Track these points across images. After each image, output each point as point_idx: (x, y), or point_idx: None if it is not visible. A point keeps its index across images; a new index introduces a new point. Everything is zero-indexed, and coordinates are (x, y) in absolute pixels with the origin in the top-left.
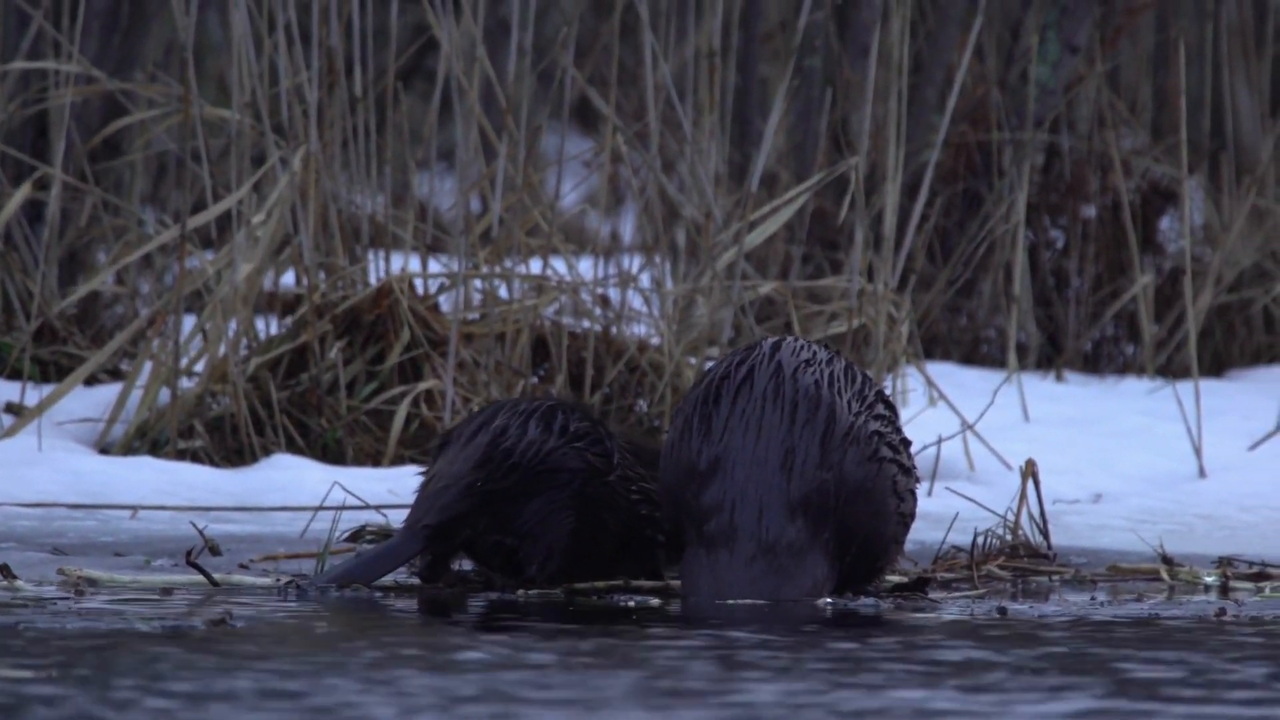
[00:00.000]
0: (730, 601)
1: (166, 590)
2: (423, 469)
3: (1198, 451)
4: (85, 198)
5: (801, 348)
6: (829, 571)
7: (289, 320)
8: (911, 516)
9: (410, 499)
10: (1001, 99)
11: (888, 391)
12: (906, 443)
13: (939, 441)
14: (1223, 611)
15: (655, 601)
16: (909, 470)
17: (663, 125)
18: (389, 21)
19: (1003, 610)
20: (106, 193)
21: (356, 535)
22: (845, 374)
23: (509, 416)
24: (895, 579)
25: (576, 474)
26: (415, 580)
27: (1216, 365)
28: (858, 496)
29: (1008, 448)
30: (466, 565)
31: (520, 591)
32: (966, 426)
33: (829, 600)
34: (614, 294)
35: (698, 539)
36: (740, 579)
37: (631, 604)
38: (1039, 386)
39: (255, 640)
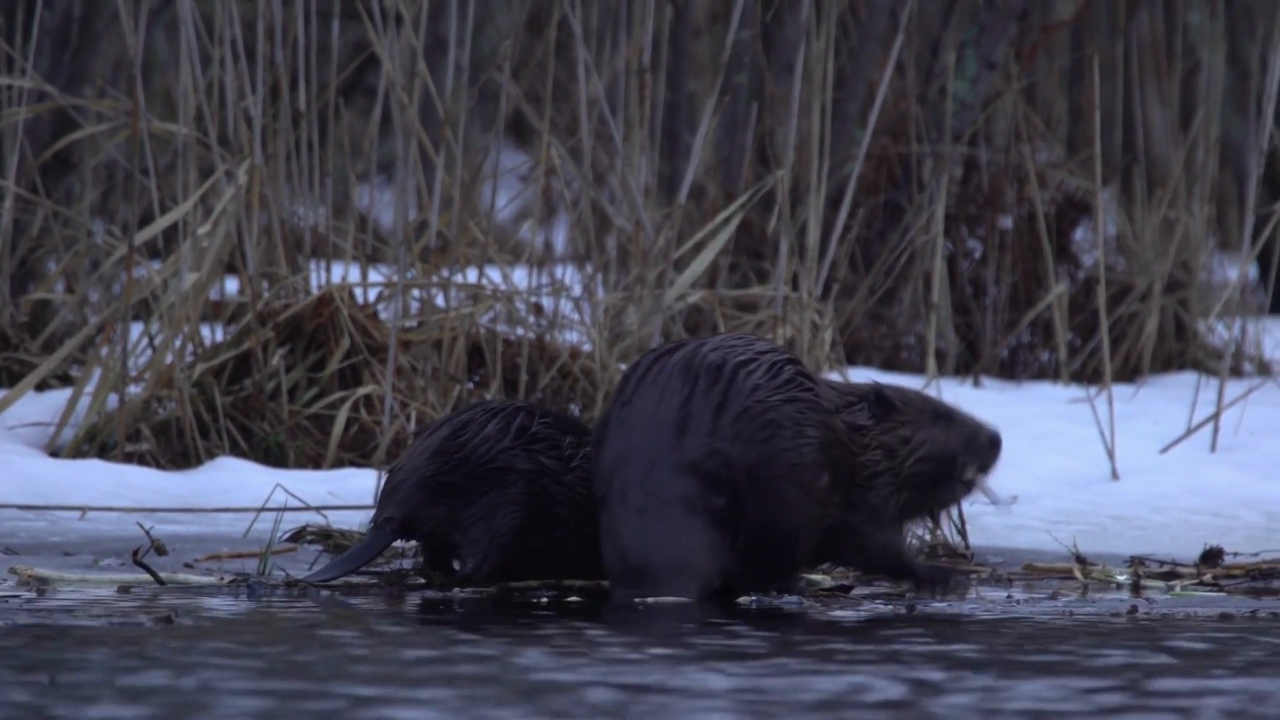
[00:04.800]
0: (628, 564)
1: (123, 588)
2: (361, 471)
3: (1111, 455)
4: (37, 209)
5: (739, 341)
6: (721, 541)
7: (233, 328)
8: (844, 530)
9: (349, 500)
10: (921, 113)
11: None
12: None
13: None
14: (1134, 609)
15: (574, 598)
16: (828, 485)
17: (595, 139)
18: (330, 38)
19: (910, 607)
20: (57, 205)
21: (298, 536)
22: (769, 368)
23: (475, 413)
24: (819, 577)
25: (524, 474)
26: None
27: (1129, 371)
28: (750, 475)
29: None
30: (407, 563)
31: (455, 590)
32: None
33: (754, 598)
34: (547, 302)
35: (602, 502)
36: (630, 531)
37: (544, 600)
38: (957, 392)
39: (203, 635)
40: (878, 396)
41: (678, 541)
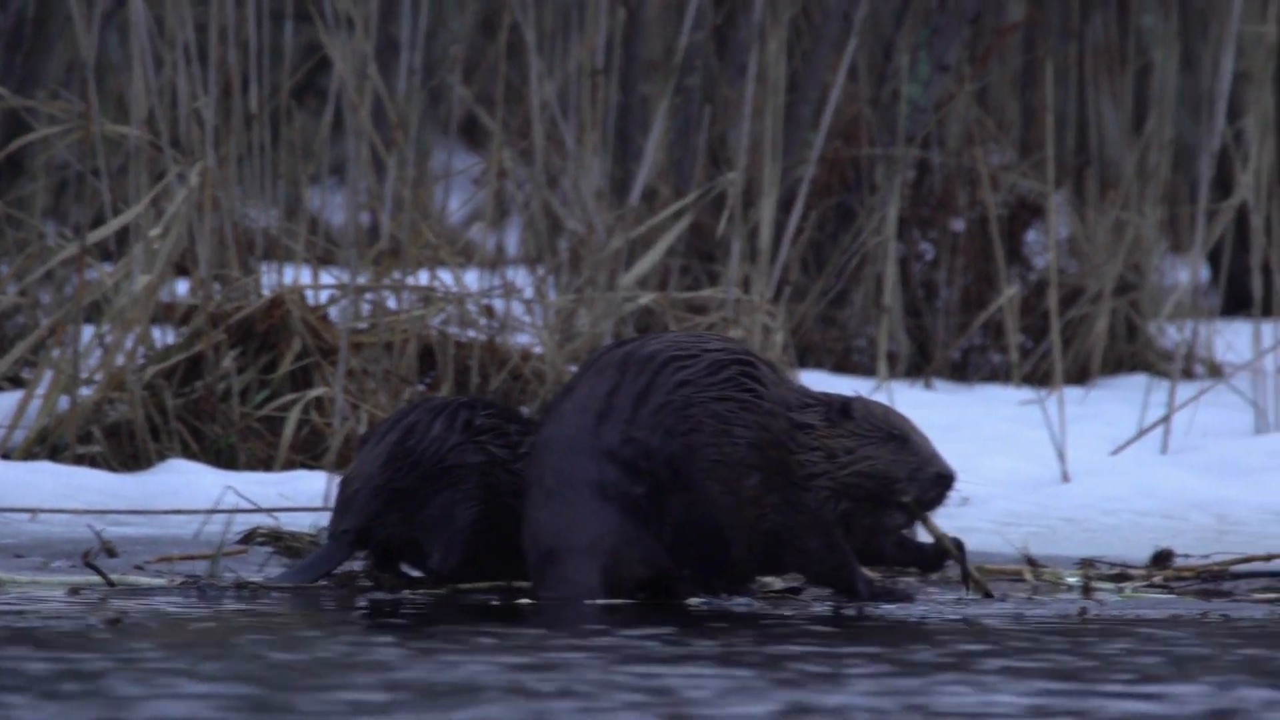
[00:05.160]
0: (538, 546)
1: (73, 590)
2: (312, 473)
3: (1062, 457)
4: None
5: (689, 338)
6: (641, 531)
7: (185, 330)
8: (783, 533)
9: (300, 502)
10: (874, 116)
11: None
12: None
13: None
14: (1084, 611)
15: (525, 600)
16: (758, 485)
17: (547, 142)
18: (283, 41)
19: (859, 609)
20: (9, 207)
21: (249, 538)
22: (709, 366)
23: (419, 414)
24: (769, 579)
25: (476, 468)
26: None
27: (1080, 374)
28: (671, 468)
29: None
30: (357, 565)
31: (405, 591)
32: None
33: (705, 600)
34: (499, 305)
35: (526, 488)
36: (542, 514)
37: (495, 603)
38: (908, 394)
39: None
40: (842, 405)
41: (584, 525)
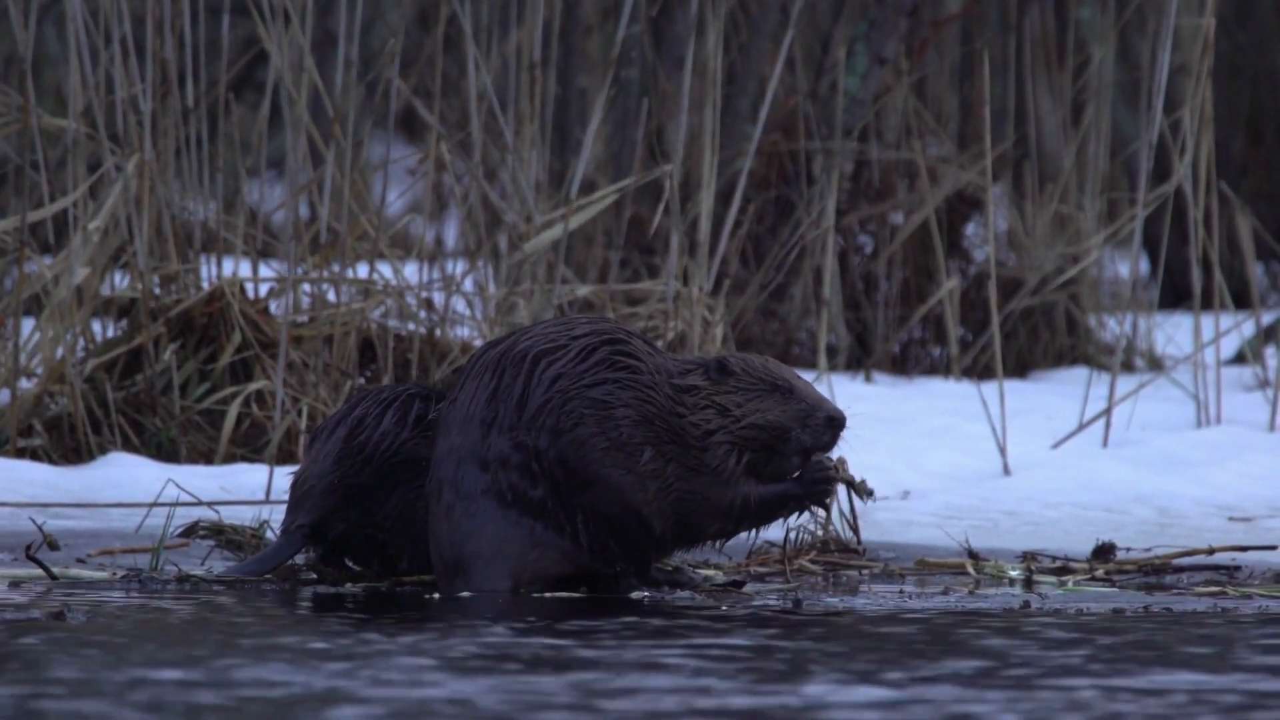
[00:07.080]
0: (443, 560)
1: (15, 583)
2: (253, 466)
3: (1002, 450)
4: None
5: (558, 328)
6: (548, 533)
7: (124, 323)
8: (691, 497)
9: (241, 495)
10: (812, 109)
11: None
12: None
13: None
14: (1027, 604)
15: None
16: (654, 458)
17: (485, 134)
18: (220, 34)
19: (797, 602)
20: None
21: (190, 531)
22: (579, 353)
23: (368, 406)
24: (710, 572)
25: (429, 462)
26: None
27: (1020, 367)
28: (564, 466)
29: None
30: (300, 558)
31: (348, 585)
32: None
33: (645, 593)
34: (438, 297)
35: (427, 503)
36: (442, 528)
37: (432, 596)
38: (849, 387)
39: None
40: (719, 363)
41: (486, 532)
